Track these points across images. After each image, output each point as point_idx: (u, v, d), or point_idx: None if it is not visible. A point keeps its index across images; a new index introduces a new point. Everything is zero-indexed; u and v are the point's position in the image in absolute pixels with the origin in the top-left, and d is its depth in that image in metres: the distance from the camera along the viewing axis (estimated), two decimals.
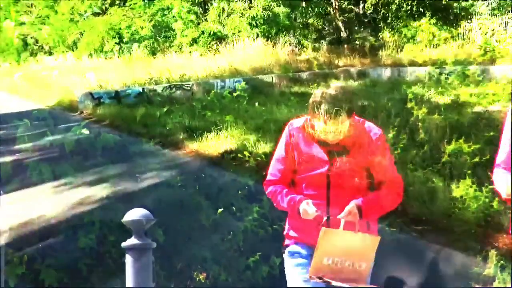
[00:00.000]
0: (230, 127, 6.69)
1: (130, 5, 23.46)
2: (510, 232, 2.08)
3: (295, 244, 1.96)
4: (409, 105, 5.73)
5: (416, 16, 14.66)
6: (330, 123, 1.73)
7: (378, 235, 1.88)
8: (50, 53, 38.15)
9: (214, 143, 6.38)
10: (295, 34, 17.77)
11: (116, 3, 24.36)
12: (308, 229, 1.87)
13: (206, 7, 20.87)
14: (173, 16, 22.47)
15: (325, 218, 1.80)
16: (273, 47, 16.49)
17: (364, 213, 1.78)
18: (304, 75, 12.61)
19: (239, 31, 17.72)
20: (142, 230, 1.84)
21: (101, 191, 4.97)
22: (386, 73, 12.19)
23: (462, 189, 3.82)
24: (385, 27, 16.34)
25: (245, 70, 12.72)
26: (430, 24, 14.04)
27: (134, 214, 1.85)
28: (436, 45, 14.17)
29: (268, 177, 1.97)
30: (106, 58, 25.54)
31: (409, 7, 14.86)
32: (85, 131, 5.02)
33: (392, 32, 15.49)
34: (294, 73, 12.60)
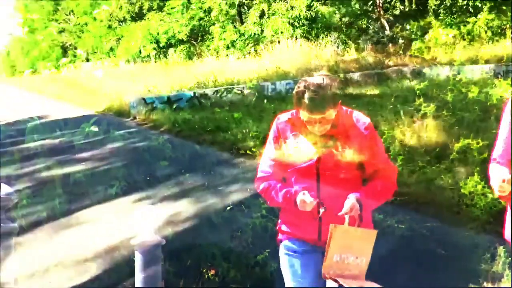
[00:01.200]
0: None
1: (167, 10, 23.54)
2: (504, 236, 1.86)
3: (288, 240, 1.94)
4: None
5: (472, 10, 13.78)
6: (315, 112, 1.70)
7: (373, 227, 1.88)
8: (88, 60, 39.21)
9: None
10: (339, 34, 17.17)
11: (153, 8, 24.50)
12: (302, 224, 1.86)
13: (244, 9, 20.60)
14: (210, 20, 22.32)
15: (322, 210, 1.76)
16: (318, 47, 15.95)
17: (364, 207, 1.76)
18: (356, 76, 12.02)
19: (281, 32, 17.30)
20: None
21: (187, 206, 4.41)
22: (444, 71, 11.41)
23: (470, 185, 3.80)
24: (435, 24, 15.48)
25: (292, 72, 12.27)
26: (489, 19, 13.14)
27: None
28: (492, 39, 13.26)
29: (259, 174, 1.92)
30: (143, 63, 25.83)
31: (465, 1, 13.98)
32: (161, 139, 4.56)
33: (446, 29, 14.61)
34: (345, 74, 12.03)
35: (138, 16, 25.23)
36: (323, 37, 17.65)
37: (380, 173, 1.84)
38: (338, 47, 17.38)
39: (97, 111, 10.93)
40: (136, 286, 1.84)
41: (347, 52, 17.01)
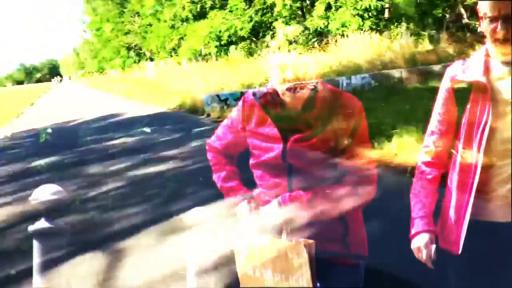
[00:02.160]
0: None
1: (230, 8, 23.62)
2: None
3: None
4: None
5: None
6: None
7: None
8: (151, 59, 40.71)
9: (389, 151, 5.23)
10: (412, 24, 16.18)
11: (216, 7, 24.69)
12: None
13: (306, 3, 20.11)
14: (273, 16, 22.06)
15: None
16: (388, 39, 15.12)
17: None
18: (437, 68, 11.17)
19: (349, 25, 16.63)
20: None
21: None
22: None
23: None
24: None
25: (365, 66, 11.67)
26: None
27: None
28: None
29: (213, 138, 1.68)
30: (207, 61, 26.22)
31: None
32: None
33: None
34: (425, 67, 11.23)
35: (201, 15, 25.58)
36: (393, 29, 16.74)
37: (352, 173, 1.50)
38: (410, 38, 16.37)
39: (169, 108, 11.07)
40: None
41: (420, 43, 15.97)
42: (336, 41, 16.27)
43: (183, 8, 27.38)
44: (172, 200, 4.22)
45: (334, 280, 1.52)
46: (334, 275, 1.52)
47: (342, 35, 18.05)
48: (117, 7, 39.47)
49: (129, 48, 41.81)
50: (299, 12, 20.18)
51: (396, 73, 10.62)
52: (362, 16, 16.36)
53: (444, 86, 1.47)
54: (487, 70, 1.34)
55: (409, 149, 5.02)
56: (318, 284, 1.45)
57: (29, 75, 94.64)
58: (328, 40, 18.77)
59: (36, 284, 1.84)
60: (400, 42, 15.34)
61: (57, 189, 1.80)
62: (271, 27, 23.18)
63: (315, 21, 17.97)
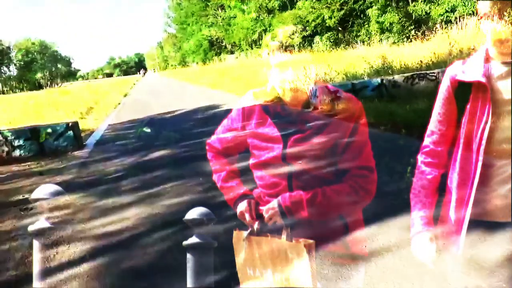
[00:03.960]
0: None
1: None
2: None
3: None
4: None
5: None
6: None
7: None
8: (232, 52, 41.26)
9: None
10: None
11: None
12: None
13: None
14: (366, 3, 20.84)
15: (245, 233, 1.49)
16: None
17: (290, 214, 1.46)
18: None
19: (454, 10, 15.07)
20: (204, 228, 1.79)
21: None
22: None
23: None
24: None
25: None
26: None
27: (196, 212, 1.78)
28: None
29: (213, 138, 1.66)
30: (291, 53, 25.70)
31: None
32: None
33: None
34: None
35: (287, 5, 25.04)
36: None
37: (350, 174, 1.49)
38: None
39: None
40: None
41: None
42: (442, 28, 14.75)
43: None
44: None
45: (334, 280, 1.57)
46: (334, 275, 1.57)
47: (446, 22, 16.46)
48: (201, 0, 40.36)
49: (211, 41, 42.79)
50: None
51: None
52: None
53: (444, 86, 1.46)
54: (487, 70, 1.33)
55: None
56: (318, 284, 1.46)
57: (118, 67, 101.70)
58: (427, 28, 17.24)
59: (36, 284, 1.89)
60: None
61: (57, 189, 1.84)
62: (363, 16, 21.98)
63: (419, 6, 16.52)
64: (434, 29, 15.81)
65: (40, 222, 1.84)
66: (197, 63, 52.39)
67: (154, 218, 3.55)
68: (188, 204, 3.72)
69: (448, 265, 1.49)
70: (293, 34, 1.60)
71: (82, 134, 8.00)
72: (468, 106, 1.39)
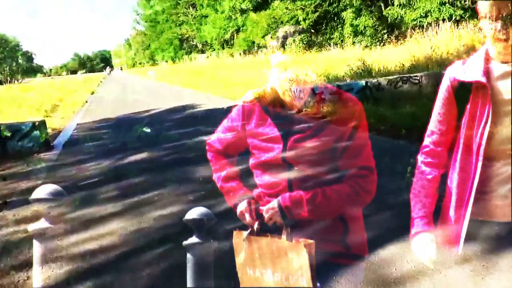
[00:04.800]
0: None
1: None
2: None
3: None
4: None
5: None
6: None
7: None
8: (202, 52, 40.63)
9: None
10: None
11: None
12: None
13: None
14: (341, 5, 20.94)
15: (245, 233, 1.49)
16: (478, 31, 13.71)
17: (290, 214, 1.47)
18: None
19: (429, 15, 15.29)
20: (203, 229, 1.82)
21: None
22: None
23: None
24: None
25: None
26: None
27: (196, 212, 1.80)
28: None
29: (213, 138, 1.64)
30: (256, 54, 25.53)
31: None
32: None
33: None
34: None
35: (261, 5, 24.81)
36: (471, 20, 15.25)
37: (351, 174, 1.49)
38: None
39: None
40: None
41: None
42: (417, 33, 14.90)
43: None
44: None
45: (334, 280, 1.59)
46: (334, 275, 1.57)
47: (419, 27, 16.70)
48: None
49: (181, 40, 41.98)
50: (369, 1, 18.95)
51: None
52: (453, 4, 14.97)
53: (444, 86, 1.46)
54: (487, 70, 1.32)
55: None
56: (318, 284, 1.46)
57: (82, 64, 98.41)
58: (400, 32, 17.46)
59: (36, 284, 1.89)
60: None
61: (57, 189, 1.85)
62: (336, 18, 22.07)
63: (394, 10, 16.67)
64: (406, 34, 16.02)
65: (40, 222, 1.86)
66: (166, 61, 51.39)
67: (138, 226, 3.21)
68: (171, 212, 3.47)
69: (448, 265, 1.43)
70: (293, 34, 1.61)
71: (49, 134, 7.38)
72: (468, 106, 1.39)
